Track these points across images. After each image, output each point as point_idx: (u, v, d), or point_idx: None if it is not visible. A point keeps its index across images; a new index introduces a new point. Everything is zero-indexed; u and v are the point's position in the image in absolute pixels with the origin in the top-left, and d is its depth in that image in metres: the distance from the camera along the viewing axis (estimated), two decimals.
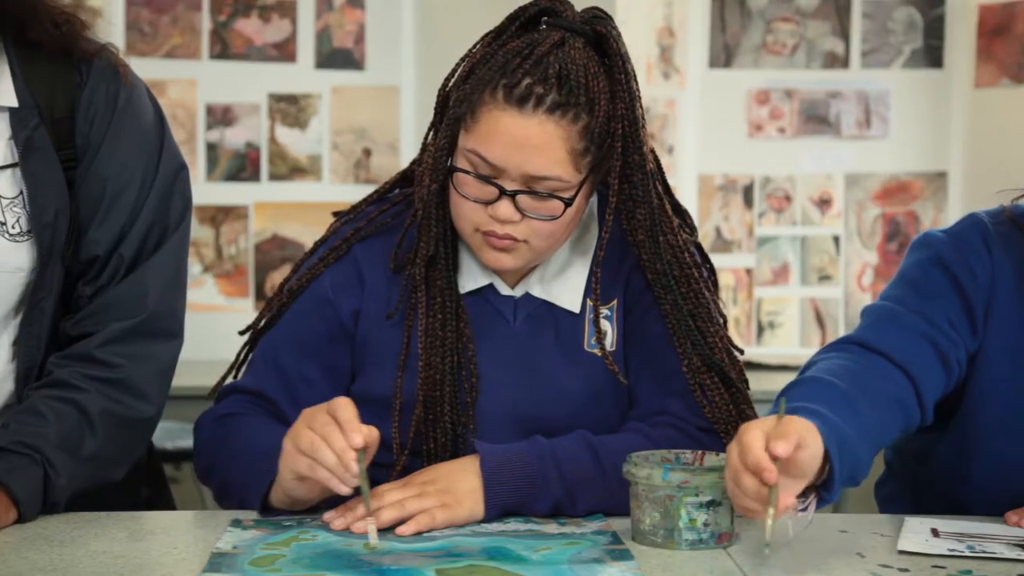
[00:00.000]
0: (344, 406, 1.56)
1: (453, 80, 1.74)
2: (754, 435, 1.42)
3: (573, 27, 1.69)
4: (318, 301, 1.81)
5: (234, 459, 1.72)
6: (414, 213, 1.77)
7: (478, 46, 1.73)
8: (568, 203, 1.69)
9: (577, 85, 1.66)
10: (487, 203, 1.69)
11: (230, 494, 1.73)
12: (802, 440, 1.42)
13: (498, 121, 1.66)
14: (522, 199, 1.68)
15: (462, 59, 1.74)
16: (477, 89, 1.68)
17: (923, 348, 1.71)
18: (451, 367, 1.75)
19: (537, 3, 1.73)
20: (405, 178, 1.87)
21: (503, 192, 1.68)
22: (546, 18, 1.73)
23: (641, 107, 1.73)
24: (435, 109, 1.77)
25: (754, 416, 1.75)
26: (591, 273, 1.80)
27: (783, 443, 1.39)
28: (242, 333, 1.88)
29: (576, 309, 1.81)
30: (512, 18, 1.73)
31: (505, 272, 1.79)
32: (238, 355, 1.87)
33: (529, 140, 1.66)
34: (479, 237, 1.72)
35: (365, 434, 1.54)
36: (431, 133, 1.78)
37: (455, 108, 1.71)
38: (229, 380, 1.86)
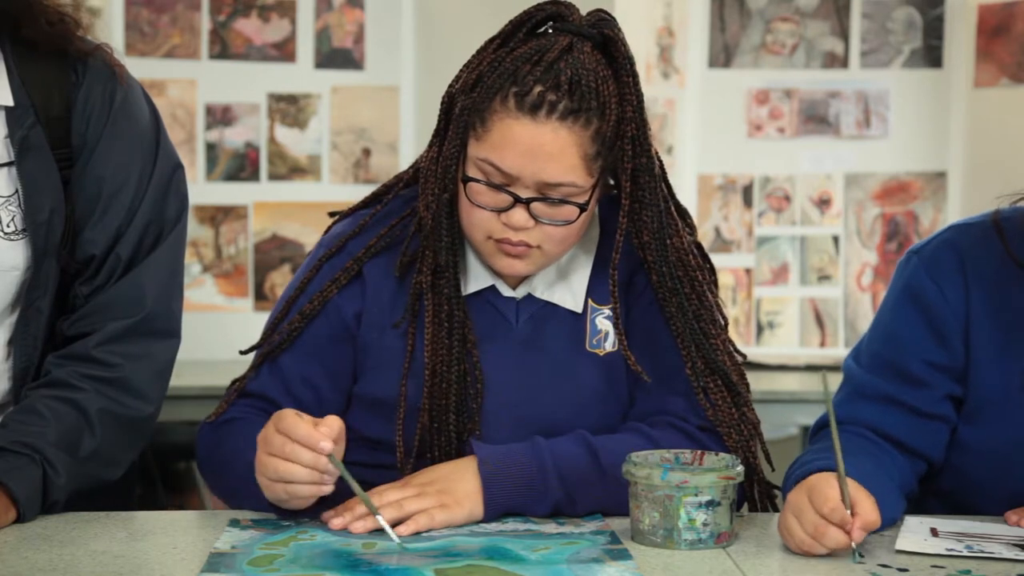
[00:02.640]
0: (287, 418, 1.56)
1: (458, 87, 1.72)
2: (830, 491, 1.52)
3: (580, 31, 1.68)
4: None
5: (229, 468, 1.73)
6: (418, 221, 1.76)
7: (483, 52, 1.71)
8: (583, 208, 1.69)
9: (588, 90, 1.65)
10: (501, 211, 1.69)
11: (238, 499, 1.73)
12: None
13: (511, 129, 1.65)
14: (536, 206, 1.68)
15: (466, 65, 1.72)
16: (486, 97, 1.67)
17: (903, 420, 1.77)
18: (457, 375, 1.75)
19: (543, 8, 1.71)
20: (403, 182, 1.83)
21: (517, 200, 1.68)
22: (552, 23, 1.71)
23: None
24: (439, 116, 1.75)
25: (755, 419, 1.76)
26: (592, 274, 1.80)
27: (861, 533, 1.52)
28: (244, 352, 1.85)
29: (579, 309, 1.80)
30: (518, 24, 1.71)
31: (515, 277, 1.79)
32: (247, 374, 1.82)
33: (543, 147, 1.65)
34: (491, 244, 1.71)
35: (328, 433, 1.55)
36: (435, 140, 1.76)
37: (463, 116, 1.69)
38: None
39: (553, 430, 1.72)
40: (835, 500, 1.51)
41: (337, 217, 1.88)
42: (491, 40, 1.72)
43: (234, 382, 1.83)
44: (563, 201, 1.68)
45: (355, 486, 1.58)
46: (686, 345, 1.74)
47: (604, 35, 1.69)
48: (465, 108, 1.69)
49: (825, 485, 1.53)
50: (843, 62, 4.21)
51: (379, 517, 1.56)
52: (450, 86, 1.74)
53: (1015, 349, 1.74)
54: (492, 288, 1.80)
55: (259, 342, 1.82)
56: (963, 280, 1.76)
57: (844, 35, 4.21)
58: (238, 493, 1.71)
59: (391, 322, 1.77)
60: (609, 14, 1.73)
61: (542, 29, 1.72)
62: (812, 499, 1.52)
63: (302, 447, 1.55)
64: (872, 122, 4.20)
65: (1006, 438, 1.74)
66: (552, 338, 1.80)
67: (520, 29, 1.70)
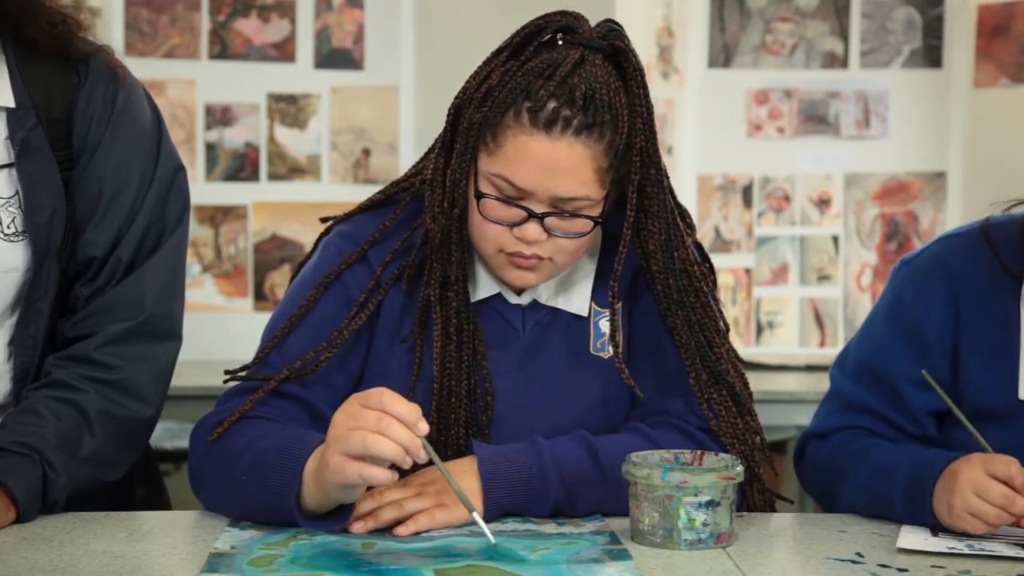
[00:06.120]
0: (381, 393, 1.48)
1: (466, 100, 1.68)
2: (1008, 460, 1.61)
3: (591, 43, 1.67)
4: (348, 303, 1.76)
5: (241, 460, 1.63)
6: (425, 234, 1.74)
7: (491, 64, 1.68)
8: (597, 221, 1.68)
9: (602, 104, 1.63)
10: (513, 225, 1.67)
11: (241, 493, 1.63)
12: None
13: (525, 145, 1.64)
14: (550, 220, 1.67)
15: (473, 77, 1.69)
16: (498, 112, 1.64)
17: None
18: (466, 389, 1.74)
19: (552, 19, 1.69)
20: (410, 196, 1.81)
21: (531, 214, 1.67)
22: (563, 35, 1.69)
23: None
24: (445, 128, 1.72)
25: (758, 427, 1.76)
26: (596, 278, 1.79)
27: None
28: (239, 372, 1.76)
29: (584, 312, 1.80)
30: (527, 36, 1.68)
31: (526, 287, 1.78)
32: (259, 388, 1.73)
33: (559, 163, 1.64)
34: (502, 257, 1.70)
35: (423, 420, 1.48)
36: (441, 152, 1.72)
37: (473, 131, 1.66)
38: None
39: (559, 435, 1.72)
40: (1017, 464, 1.59)
41: (332, 222, 1.84)
42: (499, 51, 1.69)
43: (232, 380, 1.77)
44: (576, 214, 1.68)
45: (447, 473, 1.54)
46: (690, 356, 1.73)
47: (614, 46, 1.68)
48: (475, 123, 1.66)
49: (994, 457, 1.60)
50: (843, 62, 4.22)
51: (475, 514, 1.54)
52: (456, 98, 1.71)
53: (1008, 359, 1.74)
54: (498, 295, 1.79)
55: (268, 344, 1.74)
56: (950, 295, 1.76)
57: (844, 35, 4.21)
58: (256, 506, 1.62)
59: (400, 332, 1.76)
60: (618, 24, 1.71)
61: (547, 37, 1.69)
62: (992, 471, 1.58)
63: (400, 424, 1.47)
64: (872, 122, 4.20)
65: (1010, 447, 1.74)
66: (557, 344, 1.79)
67: (530, 42, 1.68)
